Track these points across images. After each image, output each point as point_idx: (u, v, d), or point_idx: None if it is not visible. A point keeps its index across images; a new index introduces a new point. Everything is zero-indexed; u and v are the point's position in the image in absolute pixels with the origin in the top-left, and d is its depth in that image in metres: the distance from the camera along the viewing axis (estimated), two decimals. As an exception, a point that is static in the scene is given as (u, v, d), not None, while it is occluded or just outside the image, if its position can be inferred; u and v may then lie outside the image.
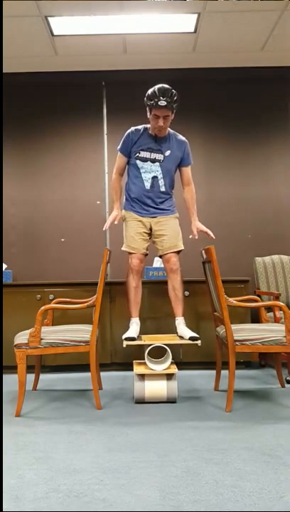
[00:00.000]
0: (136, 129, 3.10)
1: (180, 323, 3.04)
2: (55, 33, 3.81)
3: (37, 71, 4.43)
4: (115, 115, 4.45)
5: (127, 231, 3.14)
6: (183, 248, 3.12)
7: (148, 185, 3.09)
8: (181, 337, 2.98)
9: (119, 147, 3.16)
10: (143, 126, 3.10)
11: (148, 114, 2.99)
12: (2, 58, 4.11)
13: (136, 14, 3.56)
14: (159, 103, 2.87)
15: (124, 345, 2.88)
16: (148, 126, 3.08)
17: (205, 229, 3.16)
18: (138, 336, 3.00)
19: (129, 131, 3.11)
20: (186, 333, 2.93)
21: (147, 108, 2.98)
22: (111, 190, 3.33)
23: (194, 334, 2.89)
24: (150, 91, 2.92)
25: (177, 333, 3.05)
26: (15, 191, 4.44)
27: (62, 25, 3.70)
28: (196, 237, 3.16)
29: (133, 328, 3.03)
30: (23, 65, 4.34)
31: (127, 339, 2.89)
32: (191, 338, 2.86)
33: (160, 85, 2.91)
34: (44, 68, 4.39)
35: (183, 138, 3.15)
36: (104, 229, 3.21)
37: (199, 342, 2.85)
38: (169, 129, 3.10)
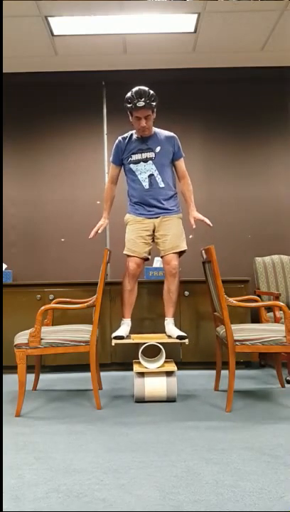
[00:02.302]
0: (122, 138, 3.16)
1: (169, 323, 3.07)
2: (55, 33, 3.81)
3: (37, 71, 4.43)
4: (115, 115, 4.45)
5: (129, 234, 3.13)
6: (185, 249, 3.12)
7: (146, 184, 3.10)
8: (169, 336, 3.00)
9: (111, 158, 3.23)
10: (129, 133, 3.17)
11: (130, 117, 3.03)
12: (2, 58, 4.11)
13: (136, 14, 3.57)
14: (138, 104, 2.92)
15: (113, 344, 2.91)
16: (134, 131, 3.13)
17: (201, 217, 3.13)
18: (127, 336, 3.02)
19: (117, 141, 3.17)
20: (174, 332, 2.96)
21: (128, 112, 3.01)
22: (103, 199, 3.31)
23: (181, 333, 2.92)
24: (128, 95, 2.97)
25: (165, 332, 3.07)
26: (15, 191, 4.44)
27: (62, 25, 3.70)
28: (194, 227, 3.13)
29: (124, 327, 3.05)
30: (23, 65, 4.34)
31: (116, 338, 2.92)
32: (178, 337, 2.90)
33: (136, 88, 2.95)
34: (44, 68, 4.39)
35: (171, 133, 3.18)
36: (89, 237, 3.17)
37: (186, 341, 2.89)
38: (154, 127, 3.13)
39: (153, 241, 3.17)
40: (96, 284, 2.90)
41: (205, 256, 2.98)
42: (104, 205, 3.29)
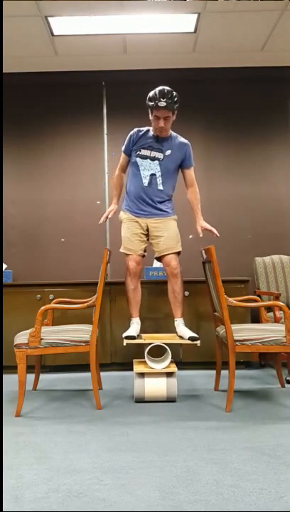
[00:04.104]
0: (138, 130, 3.15)
1: (179, 323, 3.05)
2: (55, 33, 3.81)
3: (37, 71, 4.43)
4: (115, 115, 4.45)
5: (124, 232, 3.15)
6: (180, 250, 3.12)
7: (146, 182, 3.10)
8: (181, 337, 2.99)
9: (122, 148, 3.23)
10: (146, 128, 3.16)
11: (150, 115, 3.03)
12: (2, 58, 4.11)
13: (136, 14, 3.56)
14: (159, 104, 2.91)
15: (124, 344, 2.89)
16: (151, 127, 3.12)
17: (209, 227, 3.16)
18: (138, 335, 3.01)
19: (132, 131, 3.16)
20: (186, 333, 2.94)
21: (149, 109, 3.01)
22: (112, 186, 3.39)
23: (193, 334, 2.90)
24: (151, 93, 2.97)
25: (177, 333, 3.06)
26: (15, 191, 4.44)
27: (62, 25, 3.70)
28: (201, 235, 3.16)
29: (134, 327, 3.04)
30: (23, 65, 4.34)
31: (127, 338, 2.91)
32: (191, 338, 2.88)
33: (161, 87, 2.95)
34: (44, 68, 4.39)
35: (186, 140, 3.18)
36: (99, 222, 3.25)
37: (198, 342, 2.86)
38: (172, 131, 3.13)
39: (148, 240, 3.18)
40: (96, 284, 2.90)
41: (205, 256, 2.98)
42: (113, 192, 3.37)
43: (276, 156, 4.47)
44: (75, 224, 4.40)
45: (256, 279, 4.07)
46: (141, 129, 3.15)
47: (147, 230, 3.13)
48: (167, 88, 2.94)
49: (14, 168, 4.46)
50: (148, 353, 2.88)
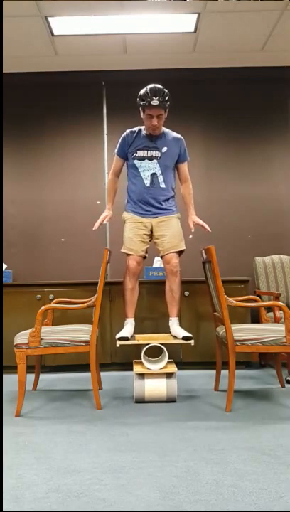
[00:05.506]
0: (130, 131, 3.15)
1: (173, 323, 3.06)
2: (55, 33, 3.81)
3: (37, 71, 4.43)
4: (115, 115, 4.45)
5: (126, 232, 3.14)
6: (184, 248, 3.12)
7: (147, 182, 3.10)
8: (175, 336, 2.99)
9: (115, 150, 3.22)
10: (138, 128, 3.16)
11: (142, 114, 3.04)
12: (2, 58, 4.11)
13: (136, 14, 3.56)
14: (152, 102, 2.91)
15: (118, 345, 2.89)
16: (143, 127, 3.12)
17: (201, 222, 3.17)
18: (131, 336, 3.01)
19: (124, 134, 3.16)
20: (180, 333, 2.94)
21: (140, 108, 3.02)
22: (107, 191, 3.36)
23: (187, 334, 2.90)
24: (142, 91, 2.96)
25: (170, 332, 3.06)
26: (15, 191, 4.44)
27: (62, 25, 3.70)
28: (192, 230, 3.18)
29: (128, 328, 3.04)
30: (23, 65, 4.34)
31: (120, 339, 2.90)
32: (184, 338, 2.88)
33: (151, 85, 2.95)
34: (44, 68, 4.39)
35: (179, 135, 3.18)
36: (93, 229, 3.20)
37: (192, 342, 2.87)
38: (163, 127, 3.13)
39: (151, 240, 3.17)
40: (96, 284, 2.90)
41: (205, 256, 2.98)
42: (107, 197, 3.32)
43: (276, 156, 4.47)
44: (75, 224, 4.40)
45: (256, 279, 4.07)
46: (133, 129, 3.15)
47: (151, 230, 3.13)
48: (158, 86, 2.94)
49: (14, 168, 4.46)
50: (146, 353, 2.88)
